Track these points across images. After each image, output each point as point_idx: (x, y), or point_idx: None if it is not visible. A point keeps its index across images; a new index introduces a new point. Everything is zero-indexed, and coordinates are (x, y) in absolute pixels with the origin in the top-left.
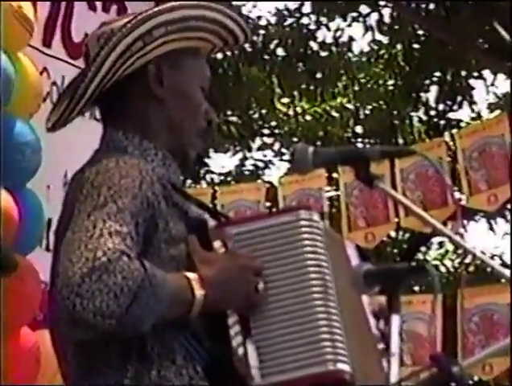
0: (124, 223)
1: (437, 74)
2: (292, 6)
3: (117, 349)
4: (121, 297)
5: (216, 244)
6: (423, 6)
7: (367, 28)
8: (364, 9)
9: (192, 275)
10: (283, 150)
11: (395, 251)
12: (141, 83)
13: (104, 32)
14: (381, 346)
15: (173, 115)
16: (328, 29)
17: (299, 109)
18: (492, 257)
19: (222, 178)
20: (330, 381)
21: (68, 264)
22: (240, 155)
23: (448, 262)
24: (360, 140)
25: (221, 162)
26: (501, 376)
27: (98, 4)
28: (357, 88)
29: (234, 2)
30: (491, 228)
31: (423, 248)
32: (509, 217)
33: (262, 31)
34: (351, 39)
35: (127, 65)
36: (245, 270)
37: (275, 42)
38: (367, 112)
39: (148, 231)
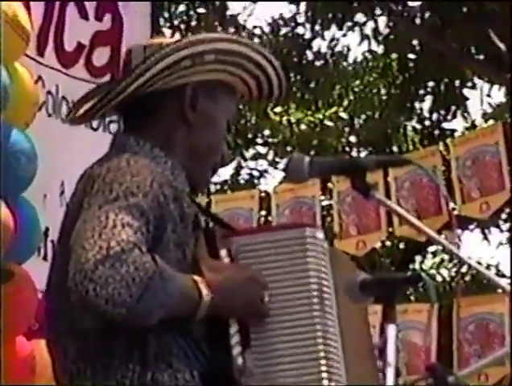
0: (135, 218)
1: (431, 84)
2: (287, 14)
3: (120, 347)
4: (132, 287)
5: (222, 252)
6: (419, 14)
7: (363, 37)
8: (360, 18)
9: (198, 278)
10: (277, 159)
11: (389, 261)
12: (174, 101)
13: (152, 44)
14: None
15: (197, 142)
16: (323, 38)
17: (293, 119)
18: (488, 267)
19: (218, 187)
20: None
21: (81, 251)
22: (235, 164)
23: (444, 271)
24: (354, 149)
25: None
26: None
27: (90, 13)
28: (351, 97)
29: (230, 12)
30: (485, 238)
31: (418, 258)
32: (503, 227)
33: (256, 40)
34: (347, 48)
35: (169, 79)
36: (252, 281)
37: (270, 51)
38: (361, 121)
39: (158, 230)
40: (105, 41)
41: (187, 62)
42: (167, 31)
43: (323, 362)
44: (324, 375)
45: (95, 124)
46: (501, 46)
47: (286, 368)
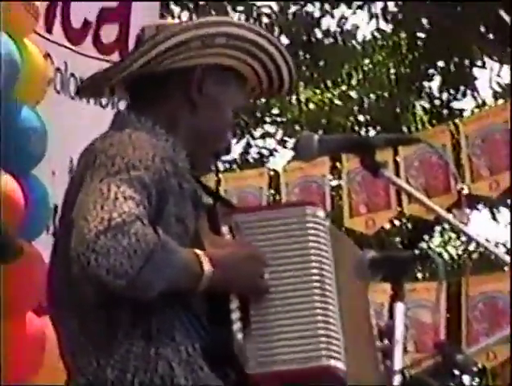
0: (137, 191)
1: (441, 63)
2: None
3: (123, 322)
4: (134, 258)
5: (224, 229)
6: None
7: (372, 16)
8: None
9: (200, 252)
10: (286, 138)
11: (398, 240)
12: (181, 82)
13: (164, 24)
14: (379, 348)
15: (201, 125)
16: (333, 16)
17: (302, 98)
18: (496, 245)
19: (227, 165)
20: (323, 377)
21: (83, 222)
22: (244, 143)
23: (451, 249)
24: (363, 128)
25: None
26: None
27: None
28: (360, 76)
29: None
30: (494, 218)
31: (426, 236)
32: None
33: (265, 19)
34: (356, 26)
35: (176, 59)
36: (252, 258)
37: (279, 29)
38: (371, 100)
39: (159, 204)
40: (113, 18)
41: (197, 43)
42: (176, 9)
43: (323, 339)
44: (324, 352)
45: (104, 101)
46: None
47: (286, 345)
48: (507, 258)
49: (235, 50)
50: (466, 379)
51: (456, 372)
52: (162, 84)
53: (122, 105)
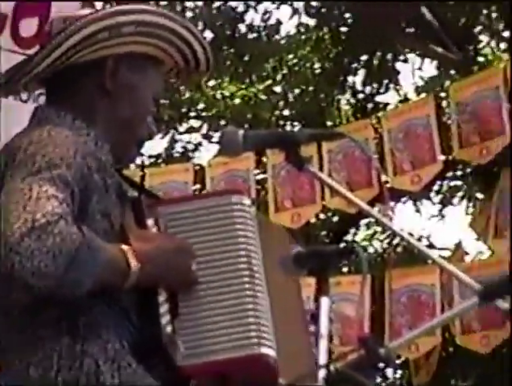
0: (59, 189)
1: (364, 57)
2: None
3: (48, 320)
4: (59, 258)
5: (149, 222)
6: None
7: (295, 11)
8: None
9: (126, 247)
10: (211, 133)
11: (324, 233)
12: (95, 74)
13: (74, 16)
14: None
15: (120, 114)
16: (256, 11)
17: (227, 92)
18: (419, 239)
19: (152, 160)
20: (254, 365)
21: (5, 224)
22: (169, 137)
23: (376, 243)
24: (288, 123)
25: (151, 144)
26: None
27: None
28: (285, 71)
29: None
30: (417, 210)
31: (353, 230)
32: (434, 199)
33: (189, 13)
34: (279, 21)
35: (87, 52)
36: (180, 251)
37: (203, 24)
38: (295, 95)
39: (83, 201)
40: (32, 12)
41: (105, 34)
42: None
43: (253, 327)
44: (255, 340)
45: (24, 96)
46: (433, 20)
47: (216, 335)
48: (430, 252)
49: (145, 36)
50: (390, 371)
51: (380, 365)
52: (76, 78)
53: (43, 100)
